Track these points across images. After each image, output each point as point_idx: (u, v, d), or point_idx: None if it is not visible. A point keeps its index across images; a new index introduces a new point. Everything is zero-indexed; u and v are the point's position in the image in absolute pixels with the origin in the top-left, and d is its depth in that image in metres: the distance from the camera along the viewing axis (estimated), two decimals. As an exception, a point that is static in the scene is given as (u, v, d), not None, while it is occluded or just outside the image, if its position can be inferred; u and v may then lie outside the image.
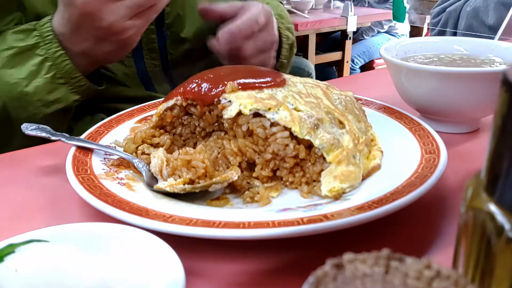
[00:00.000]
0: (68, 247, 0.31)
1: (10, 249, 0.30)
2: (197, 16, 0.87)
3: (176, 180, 0.46)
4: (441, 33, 1.64)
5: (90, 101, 0.80)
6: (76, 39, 0.67)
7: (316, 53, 3.23)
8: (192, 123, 0.55)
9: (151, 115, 0.58)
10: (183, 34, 0.87)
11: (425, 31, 3.90)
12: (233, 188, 0.49)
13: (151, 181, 0.48)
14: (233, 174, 0.46)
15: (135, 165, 0.51)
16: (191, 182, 0.47)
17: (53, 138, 0.55)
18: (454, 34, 1.60)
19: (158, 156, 0.49)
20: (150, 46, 0.86)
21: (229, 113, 0.49)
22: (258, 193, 0.46)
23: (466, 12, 1.52)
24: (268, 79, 0.53)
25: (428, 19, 3.71)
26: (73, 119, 0.82)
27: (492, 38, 1.31)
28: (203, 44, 0.90)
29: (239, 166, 0.51)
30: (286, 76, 0.56)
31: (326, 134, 0.47)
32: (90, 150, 0.53)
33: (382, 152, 0.52)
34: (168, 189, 0.45)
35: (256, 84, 0.51)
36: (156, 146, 0.54)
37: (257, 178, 0.49)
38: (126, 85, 0.86)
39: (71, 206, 0.48)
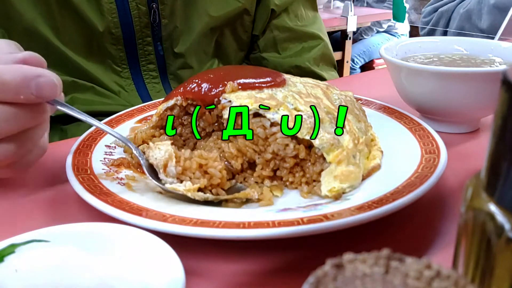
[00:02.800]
0: (68, 247, 0.31)
1: (11, 249, 0.30)
2: (191, 31, 0.86)
3: (187, 182, 0.45)
4: (431, 32, 1.63)
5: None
6: None
7: (316, 53, 3.23)
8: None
9: (151, 115, 0.58)
10: (176, 49, 0.86)
11: (425, 31, 3.89)
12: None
13: (150, 172, 0.47)
14: (254, 193, 0.46)
15: (133, 151, 0.49)
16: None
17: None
18: (445, 33, 1.59)
19: (166, 150, 0.47)
20: (147, 58, 0.84)
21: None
22: (262, 193, 0.46)
23: (459, 14, 1.51)
24: (268, 79, 0.53)
25: (428, 19, 3.70)
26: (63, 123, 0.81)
27: (492, 38, 1.31)
28: (198, 60, 0.89)
29: (241, 165, 0.51)
30: (286, 76, 0.56)
31: (326, 134, 0.47)
32: (90, 150, 0.53)
33: (382, 152, 0.52)
34: (189, 194, 0.44)
35: (256, 84, 0.51)
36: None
37: (258, 177, 0.49)
38: (117, 97, 0.83)
39: (71, 206, 0.48)
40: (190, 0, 0.84)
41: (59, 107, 0.47)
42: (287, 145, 0.47)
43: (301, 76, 0.60)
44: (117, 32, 0.78)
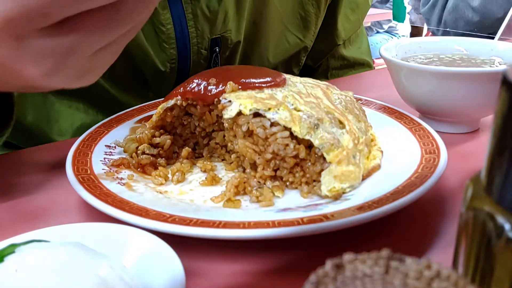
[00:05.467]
0: (68, 247, 0.31)
1: (11, 249, 0.30)
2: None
3: None
4: (430, 10, 1.70)
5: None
6: None
7: (316, 53, 3.23)
8: (192, 123, 0.55)
9: (151, 115, 0.58)
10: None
11: (425, 31, 3.90)
12: (243, 189, 0.48)
13: None
14: None
15: None
16: None
17: None
18: (441, 14, 1.66)
19: None
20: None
21: (229, 113, 0.49)
22: (262, 194, 0.46)
23: None
24: (268, 79, 0.53)
25: (428, 19, 3.71)
26: None
27: (491, 37, 1.32)
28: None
29: (242, 166, 0.51)
30: (286, 76, 0.56)
31: (326, 134, 0.47)
32: (90, 150, 0.53)
33: (382, 152, 0.52)
34: None
35: (256, 84, 0.51)
36: (156, 146, 0.54)
37: (260, 178, 0.49)
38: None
39: (71, 206, 0.48)
40: (253, 44, 0.78)
41: None
42: (287, 145, 0.47)
43: None
44: (172, 75, 0.73)
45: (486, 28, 1.58)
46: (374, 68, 1.03)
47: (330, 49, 0.91)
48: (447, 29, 1.67)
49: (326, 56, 0.93)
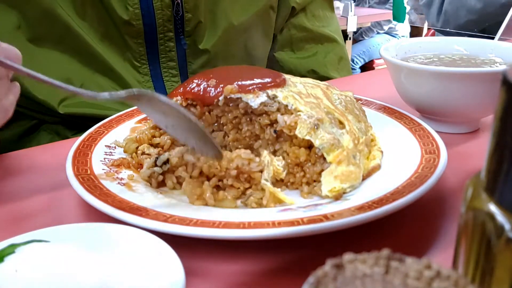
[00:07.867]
0: (68, 247, 0.31)
1: (11, 249, 0.30)
2: (216, 27, 0.82)
3: None
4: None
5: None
6: None
7: (316, 53, 3.23)
8: (192, 123, 0.55)
9: (151, 115, 0.58)
10: (201, 46, 0.82)
11: (425, 31, 3.90)
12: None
13: None
14: None
15: None
16: None
17: None
18: (440, 8, 1.71)
19: None
20: (168, 55, 0.81)
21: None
22: (261, 198, 0.46)
23: None
24: (268, 79, 0.52)
25: (428, 19, 3.71)
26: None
27: (491, 37, 1.32)
28: (223, 57, 0.85)
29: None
30: (286, 76, 0.56)
31: (326, 134, 0.47)
32: (90, 150, 0.53)
33: (382, 152, 0.52)
34: None
35: (255, 86, 0.51)
36: (156, 146, 0.54)
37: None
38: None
39: (71, 206, 0.48)
40: None
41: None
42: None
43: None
44: (138, 24, 0.75)
45: (489, 16, 1.56)
46: (374, 68, 1.05)
47: (286, 12, 0.94)
48: (448, 25, 1.67)
49: (285, 20, 0.95)
